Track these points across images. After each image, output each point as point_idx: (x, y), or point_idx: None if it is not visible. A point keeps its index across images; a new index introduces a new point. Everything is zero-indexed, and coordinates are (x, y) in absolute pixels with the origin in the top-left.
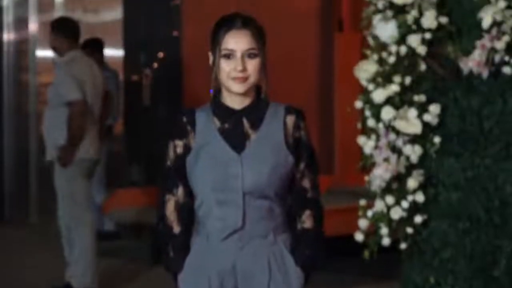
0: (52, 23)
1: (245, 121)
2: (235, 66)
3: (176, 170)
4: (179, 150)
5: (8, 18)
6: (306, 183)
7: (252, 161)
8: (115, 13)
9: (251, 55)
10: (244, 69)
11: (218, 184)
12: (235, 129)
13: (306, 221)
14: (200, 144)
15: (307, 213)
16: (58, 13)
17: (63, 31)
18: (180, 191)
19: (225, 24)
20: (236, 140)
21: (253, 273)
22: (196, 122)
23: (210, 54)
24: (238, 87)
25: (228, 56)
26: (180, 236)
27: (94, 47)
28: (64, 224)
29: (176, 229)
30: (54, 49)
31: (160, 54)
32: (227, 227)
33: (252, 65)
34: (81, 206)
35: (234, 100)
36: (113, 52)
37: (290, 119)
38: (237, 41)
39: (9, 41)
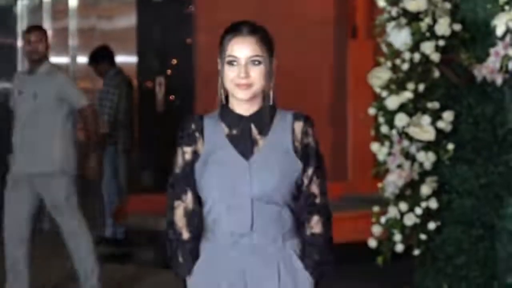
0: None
1: (253, 127)
2: (239, 73)
3: (184, 176)
4: (188, 156)
5: (22, 24)
6: (314, 189)
7: (260, 167)
8: (129, 20)
9: (255, 62)
10: (247, 76)
11: (227, 190)
12: (243, 136)
13: (315, 226)
14: (209, 151)
15: (316, 218)
16: (72, 20)
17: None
18: (189, 197)
19: (232, 31)
20: (244, 146)
21: (262, 278)
22: (204, 129)
23: (218, 60)
24: (242, 94)
25: (232, 62)
26: (190, 242)
27: (100, 56)
28: (69, 233)
29: (186, 235)
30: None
31: (174, 61)
32: (236, 233)
33: (256, 72)
34: (81, 214)
35: (242, 106)
36: (127, 59)
37: (298, 126)
38: (241, 48)
39: (23, 47)
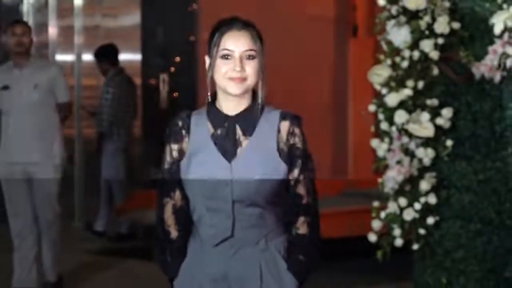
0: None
1: (238, 128)
2: (233, 66)
3: (172, 174)
4: (175, 154)
5: (29, 23)
6: (301, 190)
7: (242, 170)
8: (134, 18)
9: (249, 57)
10: (242, 70)
11: (208, 192)
12: (227, 136)
13: (301, 227)
14: (192, 150)
15: (302, 219)
16: (77, 18)
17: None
18: (177, 194)
19: (225, 25)
20: (227, 147)
21: (245, 280)
22: (190, 126)
23: (206, 57)
24: (235, 88)
25: (227, 56)
26: (177, 241)
27: (103, 54)
28: (46, 222)
29: (174, 233)
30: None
31: (177, 59)
32: (218, 235)
33: (251, 66)
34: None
35: (229, 104)
36: (131, 56)
37: (284, 126)
38: (236, 42)
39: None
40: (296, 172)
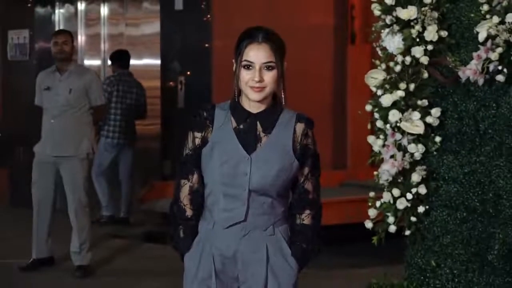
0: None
1: (258, 125)
2: (253, 76)
3: (193, 158)
4: (198, 141)
5: None
6: (308, 186)
7: (260, 163)
8: (154, 27)
9: (268, 68)
10: (261, 80)
11: (227, 179)
12: (249, 131)
13: (305, 218)
14: (216, 140)
15: (307, 212)
16: (103, 27)
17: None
18: (195, 177)
19: (248, 37)
20: (248, 141)
21: (252, 260)
22: (214, 118)
23: (233, 62)
24: (255, 96)
25: (248, 67)
26: (192, 219)
27: (114, 58)
28: (74, 211)
29: (189, 212)
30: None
31: (193, 63)
32: (232, 218)
33: (269, 76)
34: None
35: (252, 104)
36: (152, 61)
37: (300, 127)
38: (256, 54)
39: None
40: (306, 170)
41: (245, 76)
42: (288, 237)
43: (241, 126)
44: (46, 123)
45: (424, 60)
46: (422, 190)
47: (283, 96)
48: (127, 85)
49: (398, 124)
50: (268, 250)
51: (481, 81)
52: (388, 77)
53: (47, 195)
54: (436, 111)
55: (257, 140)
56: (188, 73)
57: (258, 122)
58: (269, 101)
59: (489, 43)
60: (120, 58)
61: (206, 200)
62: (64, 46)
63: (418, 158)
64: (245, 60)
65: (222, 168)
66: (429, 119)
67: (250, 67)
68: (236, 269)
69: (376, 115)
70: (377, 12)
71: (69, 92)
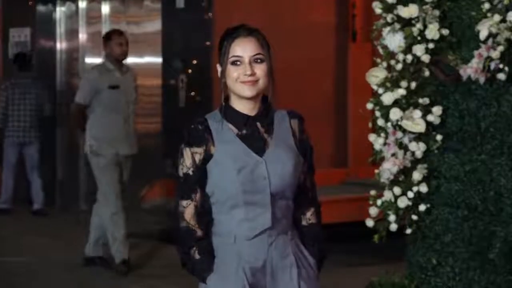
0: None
1: (260, 127)
2: (244, 71)
3: (195, 176)
4: (198, 157)
5: (61, 29)
6: (308, 183)
7: (275, 164)
8: (155, 25)
9: (258, 60)
10: (252, 73)
11: (248, 186)
12: (253, 135)
13: (311, 217)
14: (222, 151)
15: (312, 210)
16: (104, 25)
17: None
18: (198, 196)
19: (231, 34)
20: (256, 145)
21: (282, 267)
22: (212, 130)
23: (218, 66)
24: (248, 91)
25: (236, 62)
26: (204, 239)
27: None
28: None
29: (200, 232)
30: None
31: (194, 62)
32: (256, 227)
33: (261, 69)
34: None
35: (245, 107)
36: (153, 60)
37: (294, 123)
38: (244, 48)
39: (61, 50)
40: (306, 166)
41: (234, 72)
42: (300, 239)
43: (244, 131)
44: (111, 121)
45: (425, 58)
46: (423, 188)
47: (272, 95)
48: (26, 86)
49: (399, 123)
50: (297, 259)
51: (482, 80)
52: (389, 75)
53: (117, 194)
54: (437, 110)
55: (263, 142)
56: (189, 71)
57: (258, 124)
58: (260, 101)
59: (490, 42)
60: (18, 60)
61: (215, 216)
62: (126, 48)
63: (419, 157)
64: (233, 56)
65: (240, 176)
66: (430, 118)
67: (239, 62)
68: (265, 279)
69: (377, 114)
70: (378, 10)
71: (134, 89)
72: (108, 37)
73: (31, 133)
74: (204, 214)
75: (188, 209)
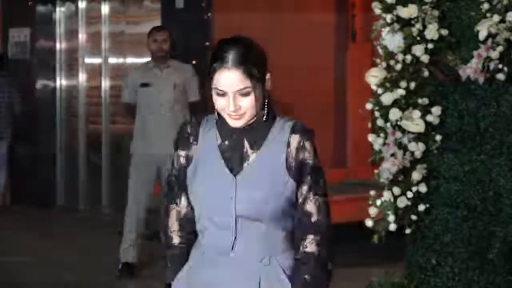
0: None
1: (245, 141)
2: (228, 105)
3: (179, 180)
4: (182, 160)
5: (60, 29)
6: (310, 207)
7: (246, 184)
8: (154, 25)
9: (243, 94)
10: (236, 108)
11: (211, 205)
12: (235, 149)
13: (309, 245)
14: (199, 159)
15: (310, 237)
16: (104, 25)
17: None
18: (183, 201)
19: (218, 58)
20: (233, 160)
21: None
22: (199, 134)
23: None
24: (234, 123)
25: (221, 94)
26: (179, 247)
27: None
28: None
29: (176, 240)
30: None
31: (194, 62)
32: (219, 249)
33: (246, 101)
34: None
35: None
36: None
37: (294, 139)
38: (227, 82)
39: (61, 50)
40: (305, 189)
41: (219, 102)
42: (290, 267)
43: (226, 143)
44: (148, 120)
45: (425, 58)
46: (423, 188)
47: (265, 111)
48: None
49: (398, 123)
50: (261, 283)
51: (481, 80)
52: (389, 75)
53: (146, 195)
54: (436, 110)
55: (243, 159)
56: None
57: (245, 138)
58: (257, 112)
59: (489, 42)
60: None
61: (197, 225)
62: (163, 44)
63: (419, 157)
64: (216, 88)
65: (205, 191)
66: (429, 118)
67: (223, 95)
68: None
69: (377, 114)
70: (377, 11)
71: (174, 88)
72: (148, 34)
73: (0, 130)
74: (187, 220)
75: (172, 213)
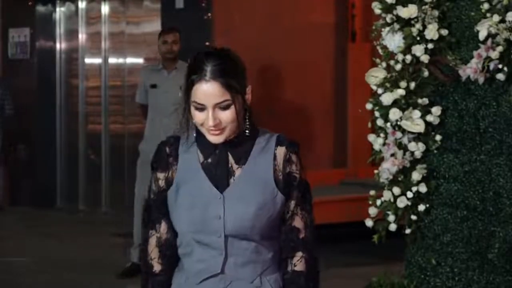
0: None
1: (230, 156)
2: (207, 119)
3: (158, 204)
4: (161, 183)
5: (60, 30)
6: (297, 223)
7: (235, 201)
8: (154, 25)
9: (223, 107)
10: (216, 123)
11: (198, 225)
12: (219, 165)
13: (298, 264)
14: (181, 179)
15: (299, 255)
16: (104, 25)
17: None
18: (162, 227)
19: (196, 71)
20: (219, 177)
21: None
22: (179, 153)
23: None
24: (214, 139)
25: (199, 108)
26: (160, 275)
27: None
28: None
29: (157, 267)
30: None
31: None
32: (206, 271)
33: (226, 115)
34: None
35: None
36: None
37: (280, 151)
38: (205, 96)
39: (61, 50)
40: (292, 203)
41: (199, 117)
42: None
43: (209, 160)
44: (155, 121)
45: (425, 58)
46: (423, 188)
47: (247, 125)
48: None
49: (398, 123)
50: None
51: (481, 80)
52: (389, 75)
53: None
54: (436, 110)
55: (229, 175)
56: None
57: (229, 153)
58: (238, 126)
59: (489, 42)
60: None
61: (178, 250)
62: (174, 46)
63: (419, 157)
64: (194, 102)
65: (191, 213)
66: (429, 118)
67: (202, 109)
68: None
69: (377, 114)
70: (377, 11)
71: (180, 89)
72: (158, 35)
73: None
74: (168, 246)
75: (151, 240)
